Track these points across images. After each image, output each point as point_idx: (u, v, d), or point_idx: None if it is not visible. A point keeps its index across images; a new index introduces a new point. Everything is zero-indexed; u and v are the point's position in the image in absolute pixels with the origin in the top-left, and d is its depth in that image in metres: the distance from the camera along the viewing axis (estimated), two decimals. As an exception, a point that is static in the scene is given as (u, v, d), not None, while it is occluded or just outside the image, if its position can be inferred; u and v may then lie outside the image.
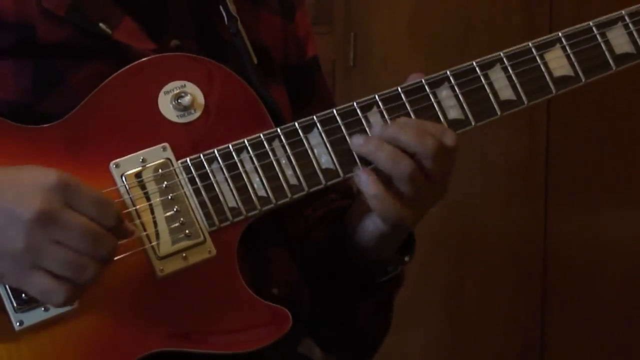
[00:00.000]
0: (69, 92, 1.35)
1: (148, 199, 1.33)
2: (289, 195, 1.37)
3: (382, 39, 3.19)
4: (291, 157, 1.38)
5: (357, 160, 1.39)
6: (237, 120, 1.39)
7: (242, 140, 1.37)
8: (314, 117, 1.39)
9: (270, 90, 1.47)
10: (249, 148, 1.37)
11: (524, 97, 1.44)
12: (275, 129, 1.38)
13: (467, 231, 3.29)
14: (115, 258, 1.27)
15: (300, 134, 1.38)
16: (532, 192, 3.29)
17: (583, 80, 1.47)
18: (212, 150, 1.36)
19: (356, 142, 1.38)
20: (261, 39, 1.51)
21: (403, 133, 1.36)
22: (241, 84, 1.40)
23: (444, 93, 1.42)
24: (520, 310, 3.32)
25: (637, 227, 3.30)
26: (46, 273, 1.22)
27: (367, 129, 1.39)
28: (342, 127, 1.39)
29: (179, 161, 1.35)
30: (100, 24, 1.37)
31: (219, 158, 1.36)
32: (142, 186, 1.33)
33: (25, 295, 1.25)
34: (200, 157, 1.35)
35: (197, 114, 1.37)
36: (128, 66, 1.36)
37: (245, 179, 1.36)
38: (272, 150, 1.37)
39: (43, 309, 1.27)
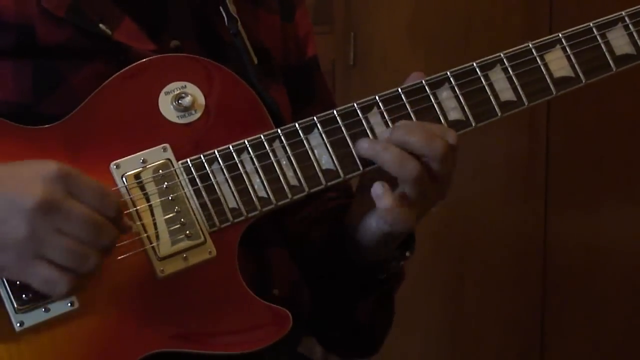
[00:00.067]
0: (69, 93, 1.35)
1: (148, 200, 1.33)
2: (290, 196, 1.37)
3: (382, 39, 3.18)
4: (292, 158, 1.38)
5: (358, 162, 1.39)
6: (237, 121, 1.39)
7: (242, 141, 1.37)
8: (315, 117, 1.39)
9: (270, 90, 1.47)
10: (249, 149, 1.37)
11: (524, 98, 1.44)
12: (275, 129, 1.38)
13: (467, 231, 3.29)
14: (116, 259, 1.27)
15: (301, 134, 1.38)
16: (532, 192, 3.29)
17: (583, 81, 1.47)
18: (212, 151, 1.36)
19: (361, 146, 1.38)
20: (261, 39, 1.51)
21: (411, 135, 1.36)
22: (241, 84, 1.40)
23: (445, 94, 1.42)
24: (520, 310, 3.32)
25: (637, 227, 3.30)
26: (49, 263, 1.22)
27: (367, 129, 1.39)
28: (343, 128, 1.39)
29: (180, 162, 1.35)
30: (100, 25, 1.37)
31: (219, 159, 1.36)
32: (143, 187, 1.33)
33: (26, 295, 1.25)
34: (200, 157, 1.35)
35: (198, 115, 1.37)
36: (128, 67, 1.36)
37: (246, 180, 1.36)
38: (273, 151, 1.37)
39: (43, 309, 1.27)
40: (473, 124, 1.43)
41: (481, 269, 3.30)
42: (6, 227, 1.21)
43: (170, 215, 1.33)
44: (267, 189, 1.36)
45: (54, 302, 1.26)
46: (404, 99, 1.41)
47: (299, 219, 1.55)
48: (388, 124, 1.40)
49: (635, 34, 1.48)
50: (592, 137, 3.27)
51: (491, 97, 1.43)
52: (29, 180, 1.22)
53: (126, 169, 1.33)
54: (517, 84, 1.44)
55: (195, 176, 1.35)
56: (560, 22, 2.66)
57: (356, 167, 1.39)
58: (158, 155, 1.34)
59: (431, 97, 1.42)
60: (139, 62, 1.36)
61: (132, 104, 1.36)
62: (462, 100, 1.42)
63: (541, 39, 1.46)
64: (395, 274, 1.50)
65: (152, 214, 1.32)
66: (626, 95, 3.20)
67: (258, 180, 1.36)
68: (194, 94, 1.37)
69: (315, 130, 1.39)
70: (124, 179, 1.32)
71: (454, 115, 1.42)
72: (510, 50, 1.45)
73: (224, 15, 1.47)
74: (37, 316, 1.26)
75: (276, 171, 1.37)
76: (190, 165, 1.35)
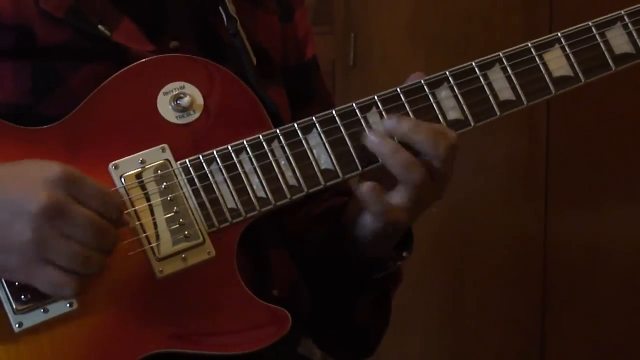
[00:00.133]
0: (68, 94, 1.35)
1: (147, 200, 1.33)
2: (288, 196, 1.37)
3: (382, 39, 3.18)
4: (290, 158, 1.37)
5: (357, 162, 1.39)
6: (236, 121, 1.39)
7: (241, 141, 1.37)
8: (313, 117, 1.39)
9: (269, 91, 1.47)
10: (248, 149, 1.37)
11: (523, 98, 1.44)
12: (274, 129, 1.38)
13: (467, 231, 3.29)
14: (116, 259, 1.27)
15: (300, 134, 1.38)
16: (532, 192, 3.29)
17: (582, 81, 1.47)
18: (211, 151, 1.36)
19: (372, 139, 1.38)
20: (260, 39, 1.51)
21: (418, 133, 1.36)
22: (240, 85, 1.40)
23: (444, 93, 1.42)
24: (520, 310, 3.32)
25: (637, 227, 3.30)
26: (54, 266, 1.22)
27: (366, 129, 1.39)
28: (342, 128, 1.39)
29: (178, 162, 1.35)
30: (99, 26, 1.37)
31: (218, 159, 1.36)
32: (142, 187, 1.33)
33: (25, 295, 1.25)
34: (199, 158, 1.35)
35: (196, 115, 1.37)
36: (127, 67, 1.36)
37: (245, 180, 1.36)
38: (271, 151, 1.37)
39: (42, 310, 1.27)
40: (472, 124, 1.43)
41: (481, 268, 3.30)
42: (10, 230, 1.21)
43: (169, 215, 1.33)
44: (266, 189, 1.36)
45: (53, 302, 1.26)
46: (403, 99, 1.41)
47: (297, 217, 1.55)
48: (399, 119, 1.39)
49: (634, 33, 1.48)
50: (592, 137, 3.27)
51: (490, 96, 1.43)
52: (33, 182, 1.22)
53: (125, 169, 1.33)
54: (516, 83, 1.44)
55: (194, 176, 1.35)
56: (560, 22, 2.66)
57: (355, 167, 1.39)
58: (157, 155, 1.34)
59: (430, 96, 1.42)
60: (137, 62, 1.36)
61: (130, 104, 1.36)
62: (461, 100, 1.42)
63: (540, 39, 1.46)
64: (392, 274, 1.50)
65: (151, 214, 1.32)
66: (626, 95, 3.20)
67: (257, 180, 1.36)
68: (192, 94, 1.37)
69: (314, 130, 1.39)
70: (122, 179, 1.32)
71: (453, 114, 1.42)
72: (509, 49, 1.45)
73: (223, 15, 1.47)
74: (36, 317, 1.26)
75: (275, 171, 1.37)
76: (189, 165, 1.35)
